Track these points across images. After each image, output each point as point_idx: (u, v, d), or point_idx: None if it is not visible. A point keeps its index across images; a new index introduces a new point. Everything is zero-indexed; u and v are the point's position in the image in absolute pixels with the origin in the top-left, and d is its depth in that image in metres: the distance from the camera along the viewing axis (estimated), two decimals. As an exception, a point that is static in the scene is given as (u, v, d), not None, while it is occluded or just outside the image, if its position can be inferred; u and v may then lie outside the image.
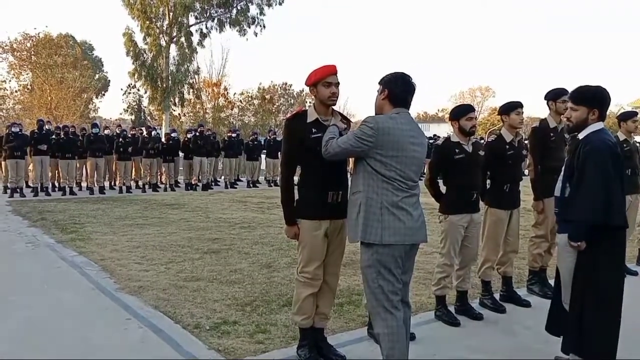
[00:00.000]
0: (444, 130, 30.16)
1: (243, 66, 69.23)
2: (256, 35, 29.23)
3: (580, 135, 3.11)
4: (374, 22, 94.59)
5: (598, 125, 3.09)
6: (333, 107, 3.26)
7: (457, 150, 4.09)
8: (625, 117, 5.75)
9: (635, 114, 5.92)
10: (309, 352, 3.28)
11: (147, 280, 5.08)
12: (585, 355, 3.02)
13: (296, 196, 3.26)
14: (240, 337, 3.71)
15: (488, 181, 4.59)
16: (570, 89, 4.91)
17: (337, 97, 3.21)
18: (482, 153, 4.25)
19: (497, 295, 4.58)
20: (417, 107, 61.60)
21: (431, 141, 18.79)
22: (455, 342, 3.73)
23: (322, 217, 3.18)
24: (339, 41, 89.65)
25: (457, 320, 4.03)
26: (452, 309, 4.22)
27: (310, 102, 3.35)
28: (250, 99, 38.43)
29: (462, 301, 4.26)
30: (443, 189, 4.29)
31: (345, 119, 3.39)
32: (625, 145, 5.53)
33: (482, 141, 5.12)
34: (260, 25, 29.01)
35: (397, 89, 2.87)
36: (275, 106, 40.06)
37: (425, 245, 6.67)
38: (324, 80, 3.12)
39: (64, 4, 74.12)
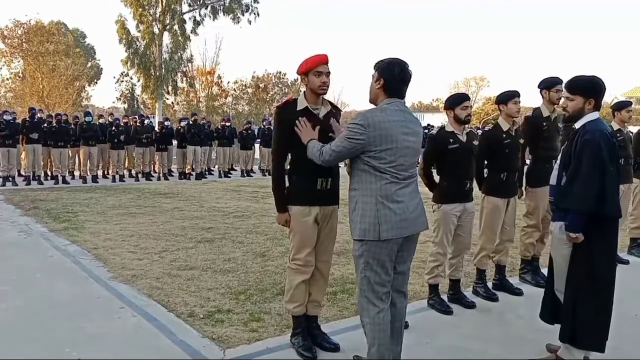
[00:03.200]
0: (439, 119, 30.13)
1: (237, 54, 68.76)
2: (250, 23, 29.00)
3: (577, 125, 3.12)
4: (369, 10, 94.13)
5: (594, 115, 3.10)
6: (323, 96, 3.25)
7: (451, 140, 4.09)
8: (620, 107, 5.76)
9: (630, 103, 5.94)
10: (303, 340, 3.29)
11: (141, 269, 5.08)
12: (578, 344, 3.05)
13: (287, 183, 3.26)
14: (234, 326, 3.72)
15: (486, 170, 4.60)
16: (564, 78, 4.91)
17: (328, 87, 3.20)
18: (476, 143, 4.25)
19: (490, 284, 4.61)
20: (413, 96, 61.64)
21: (425, 131, 18.88)
22: (448, 330, 3.76)
23: (311, 203, 3.19)
24: (334, 30, 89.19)
25: (450, 309, 4.06)
26: (445, 297, 4.25)
27: (301, 93, 3.33)
28: (244, 87, 38.21)
29: (455, 289, 4.28)
30: (437, 178, 4.29)
31: (335, 108, 3.39)
32: (619, 135, 5.55)
33: (478, 131, 5.12)
34: (254, 13, 28.76)
35: (393, 79, 2.78)
36: (269, 95, 39.85)
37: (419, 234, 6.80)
38: (315, 69, 3.12)
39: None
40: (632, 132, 6.20)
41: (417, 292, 4.52)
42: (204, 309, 4.04)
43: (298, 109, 3.19)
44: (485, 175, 4.56)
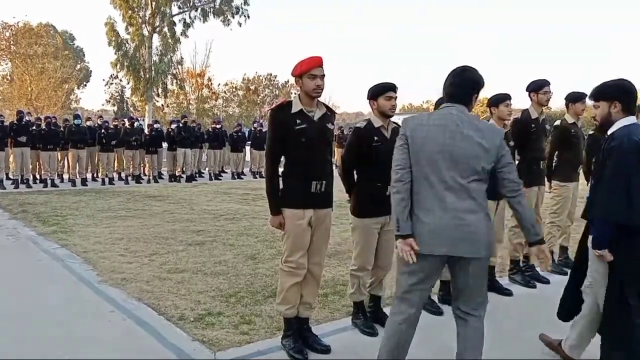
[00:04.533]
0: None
1: (227, 57, 68.66)
2: (240, 26, 29.03)
3: (610, 132, 2.93)
4: (360, 12, 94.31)
5: (628, 120, 2.87)
6: (318, 98, 3.26)
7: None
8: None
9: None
10: (294, 342, 3.29)
11: (131, 272, 5.04)
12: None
13: (281, 186, 3.26)
14: (225, 328, 3.70)
15: None
16: (548, 78, 4.95)
17: (322, 89, 3.20)
18: None
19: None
20: (404, 99, 61.74)
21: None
22: (439, 330, 3.76)
23: (305, 206, 3.19)
24: (325, 31, 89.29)
25: (440, 309, 4.08)
26: (435, 298, 4.26)
27: (295, 93, 3.33)
28: (234, 89, 38.16)
29: (446, 291, 4.29)
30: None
31: (330, 111, 3.39)
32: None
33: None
34: (245, 15, 28.81)
35: (447, 84, 2.69)
36: (260, 97, 39.83)
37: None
38: (310, 72, 3.13)
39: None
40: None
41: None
42: (194, 312, 4.02)
43: (293, 111, 3.19)
44: None
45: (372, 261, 3.67)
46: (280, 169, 3.30)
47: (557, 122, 5.46)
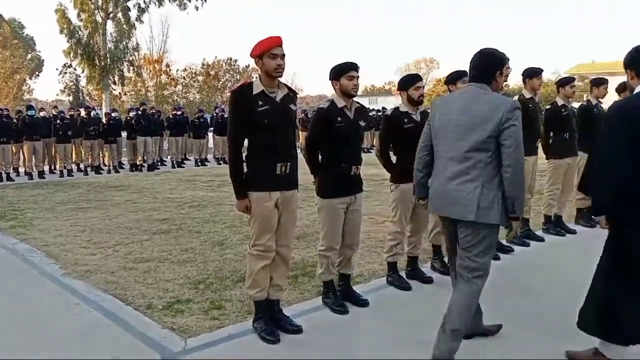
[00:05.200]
0: (391, 102, 30.51)
1: (186, 42, 67.11)
2: (197, 9, 28.41)
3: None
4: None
5: None
6: (279, 79, 3.22)
7: (406, 120, 4.12)
8: (564, 82, 5.97)
9: (573, 79, 6.17)
10: (265, 324, 3.29)
11: (95, 264, 4.93)
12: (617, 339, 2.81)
13: (245, 169, 3.22)
14: (195, 315, 3.67)
15: None
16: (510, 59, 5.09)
17: (283, 69, 3.17)
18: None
19: (446, 259, 4.72)
20: (365, 80, 61.95)
21: (379, 113, 19.08)
22: (407, 305, 3.85)
23: (271, 188, 3.17)
24: (285, 13, 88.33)
25: (409, 285, 4.15)
26: (403, 274, 4.33)
27: (256, 77, 3.28)
28: (194, 75, 37.40)
29: (413, 266, 4.37)
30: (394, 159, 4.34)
31: (292, 92, 3.37)
32: (563, 110, 5.78)
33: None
34: (202, -1, 28.12)
35: (469, 66, 2.93)
36: (220, 82, 39.17)
37: (376, 215, 6.89)
38: (270, 51, 3.09)
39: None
40: (575, 108, 6.44)
41: (376, 270, 4.58)
42: (162, 300, 3.97)
43: (254, 92, 3.15)
44: None
45: (340, 241, 3.70)
46: (244, 153, 3.26)
47: (515, 98, 5.60)
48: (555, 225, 5.94)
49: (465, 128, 2.74)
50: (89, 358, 3.08)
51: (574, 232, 6.01)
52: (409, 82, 4.17)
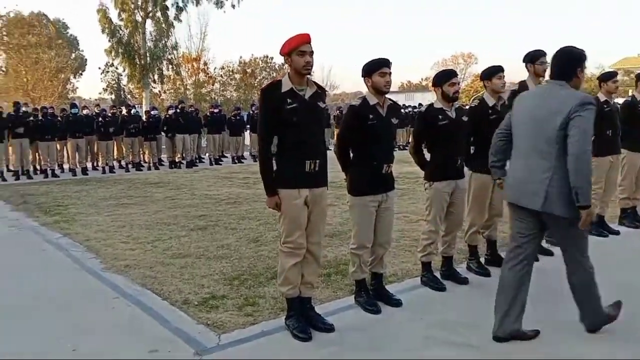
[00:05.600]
0: (429, 98, 30.11)
1: (223, 40, 67.87)
2: (234, 7, 28.54)
3: None
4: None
5: None
6: (308, 76, 3.23)
7: (440, 117, 4.06)
8: (606, 78, 5.76)
9: (615, 74, 5.95)
10: (297, 321, 3.31)
11: (134, 259, 5.06)
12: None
13: (275, 166, 3.25)
14: (229, 311, 3.73)
15: (472, 147, 4.59)
16: (551, 51, 4.92)
17: (312, 66, 3.20)
18: (465, 119, 4.24)
19: (482, 260, 4.64)
20: (401, 76, 61.40)
21: (414, 110, 18.86)
22: (441, 306, 3.79)
23: (300, 185, 3.19)
24: (320, 9, 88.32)
25: (443, 285, 4.09)
26: (438, 274, 4.28)
27: (285, 75, 3.30)
28: (231, 73, 37.83)
29: (448, 266, 4.31)
30: (428, 156, 4.29)
31: (320, 89, 3.37)
32: (605, 106, 5.57)
33: (466, 107, 5.07)
34: (238, -3, 28.34)
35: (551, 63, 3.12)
36: (257, 80, 39.50)
37: (411, 213, 6.83)
38: (298, 49, 3.11)
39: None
40: (619, 104, 6.22)
41: (410, 270, 4.54)
42: (198, 295, 4.04)
43: (283, 90, 3.17)
44: (472, 152, 4.55)
45: (371, 239, 3.68)
46: (274, 150, 3.29)
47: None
48: (597, 225, 5.74)
49: (539, 121, 2.95)
50: (125, 351, 3.17)
51: (617, 232, 5.79)
52: (443, 78, 4.11)
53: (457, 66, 54.28)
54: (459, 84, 4.18)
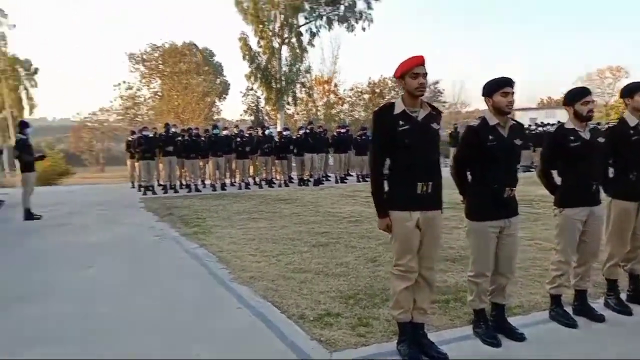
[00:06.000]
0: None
1: (353, 61, 69.50)
2: (364, 30, 29.24)
3: None
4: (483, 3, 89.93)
5: None
6: (421, 97, 3.19)
7: (572, 138, 3.76)
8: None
9: None
10: (409, 347, 3.23)
11: (259, 271, 5.34)
12: None
13: (387, 188, 3.25)
14: (342, 329, 3.75)
15: (611, 170, 4.16)
16: None
17: (425, 88, 3.17)
18: (601, 140, 3.87)
19: (623, 296, 4.15)
20: (541, 92, 57.59)
21: (541, 129, 17.57)
22: (571, 344, 3.46)
23: (412, 208, 3.14)
24: (452, 24, 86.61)
25: (575, 321, 3.72)
26: (570, 310, 3.91)
27: (399, 98, 3.30)
28: (360, 94, 38.58)
29: (581, 301, 3.92)
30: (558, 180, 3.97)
31: (435, 110, 3.31)
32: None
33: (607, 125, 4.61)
34: (368, 20, 28.99)
35: None
36: (385, 100, 39.82)
37: (544, 240, 6.34)
38: (412, 71, 3.10)
39: (185, 15, 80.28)
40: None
41: (538, 302, 4.20)
42: (314, 311, 4.13)
43: (395, 112, 3.17)
44: (612, 176, 4.11)
45: (491, 267, 3.49)
46: (386, 172, 3.28)
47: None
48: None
49: None
50: (241, 359, 3.34)
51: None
52: (576, 95, 3.80)
53: (604, 80, 49.63)
54: (593, 102, 3.83)
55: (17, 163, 10.55)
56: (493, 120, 3.45)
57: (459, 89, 47.78)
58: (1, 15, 33.51)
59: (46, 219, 9.29)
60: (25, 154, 9.37)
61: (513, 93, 3.41)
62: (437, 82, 38.55)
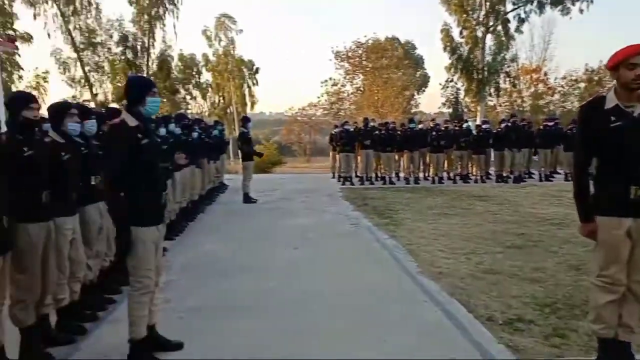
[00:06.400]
0: None
1: (568, 48, 62.69)
2: (582, 12, 26.18)
3: None
4: None
5: None
6: (639, 91, 2.81)
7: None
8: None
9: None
10: (610, 366, 2.93)
11: (447, 268, 5.31)
12: None
13: (593, 190, 2.96)
14: (534, 337, 3.56)
15: None
16: None
17: None
18: None
19: None
20: None
21: None
22: None
23: (623, 214, 2.81)
24: (699, 2, 72.09)
25: None
26: None
27: (612, 90, 2.95)
28: (574, 82, 34.70)
29: None
30: None
31: None
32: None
33: None
34: (587, 0, 25.88)
35: None
36: (605, 89, 35.18)
37: None
38: (628, 61, 2.76)
39: (389, 7, 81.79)
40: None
41: None
42: (504, 315, 3.98)
43: (606, 107, 2.86)
44: None
45: None
46: (593, 173, 2.99)
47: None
48: None
49: None
50: (426, 351, 3.40)
51: None
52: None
53: None
54: None
55: (239, 153, 12.11)
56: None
57: None
58: (231, 22, 38.35)
59: (261, 203, 10.51)
60: (246, 145, 10.74)
61: None
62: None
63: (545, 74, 34.07)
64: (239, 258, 6.03)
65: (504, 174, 13.94)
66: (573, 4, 26.10)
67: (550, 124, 14.64)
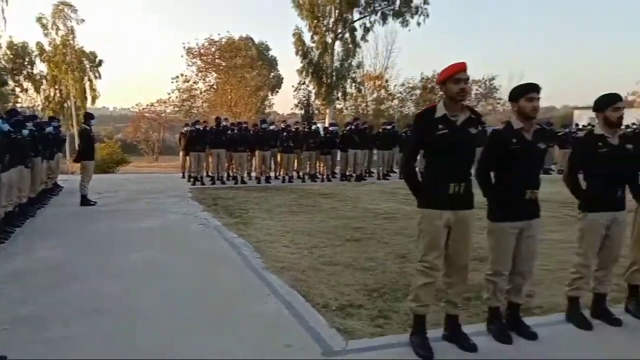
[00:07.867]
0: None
1: (408, 57, 68.66)
2: (419, 25, 28.92)
3: None
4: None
5: None
6: (463, 102, 3.34)
7: (600, 144, 3.80)
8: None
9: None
10: (420, 339, 3.41)
11: (290, 262, 5.61)
12: None
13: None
14: (362, 320, 3.96)
15: None
16: None
17: (467, 93, 3.30)
18: (630, 147, 3.87)
19: (646, 302, 4.13)
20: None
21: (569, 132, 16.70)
22: (581, 345, 3.53)
23: (443, 207, 3.30)
24: (513, 27, 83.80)
25: (590, 324, 3.78)
26: (587, 312, 3.95)
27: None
28: (411, 89, 38.15)
29: (599, 304, 3.95)
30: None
31: (474, 114, 3.45)
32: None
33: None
34: (424, 15, 28.66)
35: None
36: (437, 96, 39.17)
37: (569, 242, 6.27)
38: (454, 76, 3.25)
39: (242, 9, 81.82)
40: None
41: (558, 304, 4.25)
42: (337, 301, 4.36)
43: (436, 116, 3.33)
44: None
45: (509, 267, 3.60)
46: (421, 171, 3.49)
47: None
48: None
49: None
50: (265, 342, 3.61)
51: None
52: (606, 101, 3.84)
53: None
54: (623, 108, 3.84)
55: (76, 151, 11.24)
56: (517, 124, 3.56)
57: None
58: (71, 11, 35.24)
59: (100, 205, 9.89)
60: (87, 144, 10.05)
61: (538, 99, 3.53)
62: (493, 79, 37.57)
63: (387, 81, 36.92)
64: (74, 264, 5.67)
65: (347, 173, 14.89)
66: (412, 17, 28.71)
67: (388, 127, 15.98)
